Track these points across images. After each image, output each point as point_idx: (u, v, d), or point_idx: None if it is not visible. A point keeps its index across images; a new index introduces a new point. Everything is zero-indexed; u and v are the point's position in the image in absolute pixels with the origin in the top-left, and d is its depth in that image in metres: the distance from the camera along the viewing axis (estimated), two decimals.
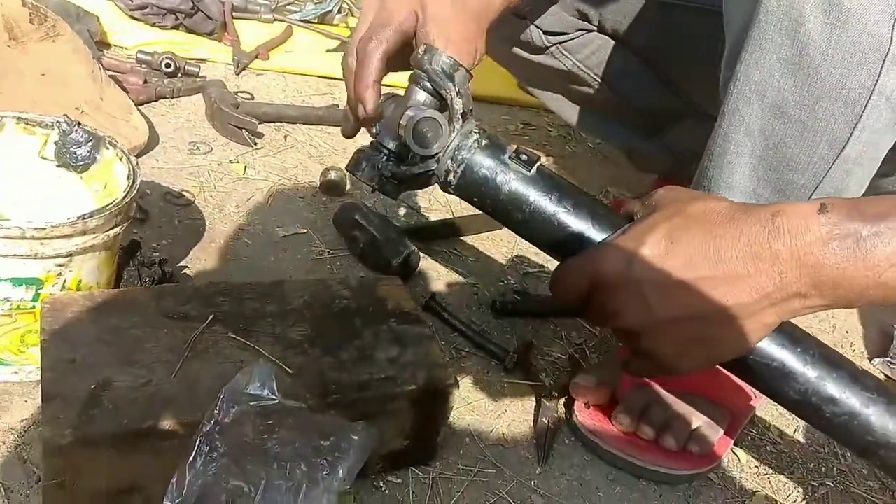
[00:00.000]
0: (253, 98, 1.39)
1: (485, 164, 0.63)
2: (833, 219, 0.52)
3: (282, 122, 1.33)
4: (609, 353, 0.97)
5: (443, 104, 0.64)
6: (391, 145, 0.66)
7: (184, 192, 1.06)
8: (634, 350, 0.61)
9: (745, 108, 0.70)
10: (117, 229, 0.71)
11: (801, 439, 0.94)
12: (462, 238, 1.14)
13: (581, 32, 1.05)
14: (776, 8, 0.64)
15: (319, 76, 1.55)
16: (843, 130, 0.66)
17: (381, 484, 0.72)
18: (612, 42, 1.07)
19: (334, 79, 1.55)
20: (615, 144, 1.28)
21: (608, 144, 1.43)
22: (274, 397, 0.58)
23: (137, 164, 0.76)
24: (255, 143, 1.24)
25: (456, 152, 0.63)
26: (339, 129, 1.39)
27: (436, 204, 1.22)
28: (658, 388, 0.85)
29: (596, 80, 1.10)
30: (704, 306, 0.55)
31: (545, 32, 1.04)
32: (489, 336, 0.94)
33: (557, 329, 1.01)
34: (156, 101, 1.29)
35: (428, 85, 0.65)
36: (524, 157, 0.62)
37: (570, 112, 1.20)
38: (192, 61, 1.42)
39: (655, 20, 1.01)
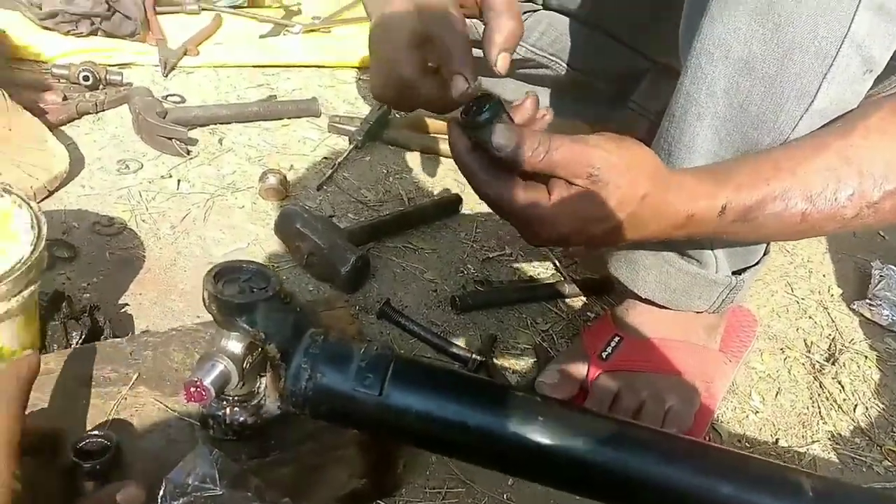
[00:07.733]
0: (184, 100, 1.31)
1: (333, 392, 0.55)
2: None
3: (216, 124, 1.26)
4: (576, 337, 0.92)
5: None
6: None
7: (114, 220, 1.00)
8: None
9: (709, 67, 0.65)
10: (32, 288, 0.65)
11: (785, 403, 0.91)
12: (417, 229, 1.09)
13: (528, 14, 0.98)
14: None
15: (254, 66, 1.47)
16: (812, 83, 0.62)
17: None
18: (561, 17, 0.99)
19: (270, 66, 1.47)
20: (582, 120, 1.20)
21: (573, 121, 1.34)
22: (217, 490, 0.54)
23: (40, 209, 0.70)
24: (189, 153, 1.16)
25: (293, 391, 0.55)
26: (277, 122, 1.33)
27: (387, 195, 1.16)
28: (626, 371, 0.81)
29: (552, 60, 1.02)
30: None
31: None
32: (450, 338, 0.90)
33: (523, 316, 0.97)
34: (78, 118, 1.21)
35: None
36: (369, 376, 0.54)
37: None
38: (115, 68, 1.33)
39: None
